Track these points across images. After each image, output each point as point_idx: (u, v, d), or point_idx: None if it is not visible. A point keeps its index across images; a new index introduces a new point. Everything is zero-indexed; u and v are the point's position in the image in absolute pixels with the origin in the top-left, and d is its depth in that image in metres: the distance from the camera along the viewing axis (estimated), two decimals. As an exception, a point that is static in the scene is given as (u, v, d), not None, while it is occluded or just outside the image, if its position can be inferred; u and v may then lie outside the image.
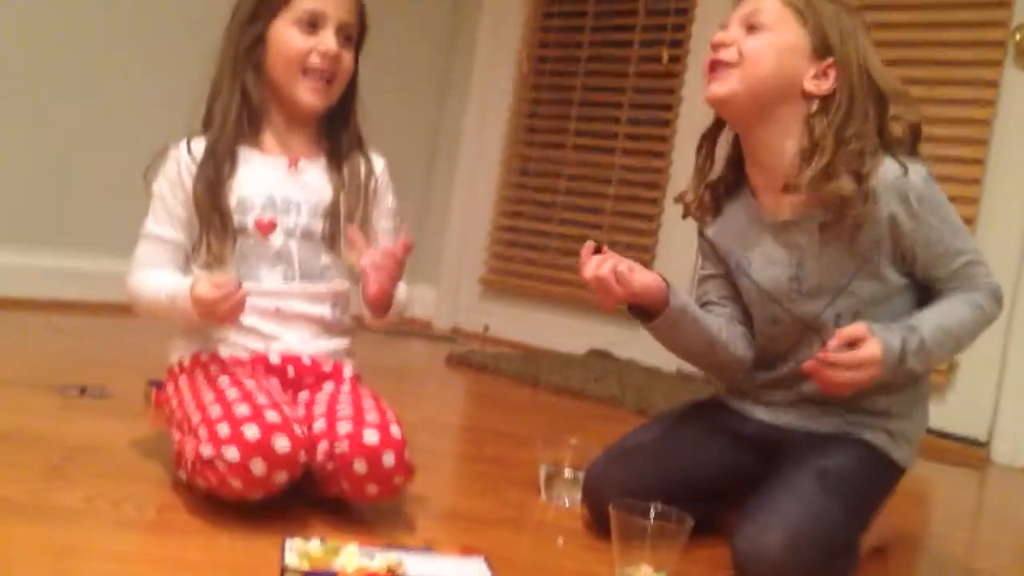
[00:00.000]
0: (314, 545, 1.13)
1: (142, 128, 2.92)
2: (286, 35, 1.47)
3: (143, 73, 3.04)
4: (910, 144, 1.39)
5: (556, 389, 2.77)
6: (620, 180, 3.55)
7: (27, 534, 1.14)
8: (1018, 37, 2.73)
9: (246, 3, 1.49)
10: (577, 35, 3.72)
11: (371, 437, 1.28)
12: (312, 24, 1.46)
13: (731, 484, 1.47)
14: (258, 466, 1.20)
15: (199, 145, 1.48)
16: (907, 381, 1.42)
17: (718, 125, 1.52)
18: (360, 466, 1.26)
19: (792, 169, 1.37)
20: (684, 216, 1.56)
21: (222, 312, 1.32)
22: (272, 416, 1.24)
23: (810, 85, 1.37)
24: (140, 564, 1.13)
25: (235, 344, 1.45)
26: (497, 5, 3.89)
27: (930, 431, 2.63)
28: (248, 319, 1.42)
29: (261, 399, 1.29)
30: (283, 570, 1.09)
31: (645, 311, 1.40)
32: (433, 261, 3.89)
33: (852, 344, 1.27)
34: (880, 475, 1.43)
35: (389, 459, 1.27)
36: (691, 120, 3.41)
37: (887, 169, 1.34)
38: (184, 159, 1.47)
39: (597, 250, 1.35)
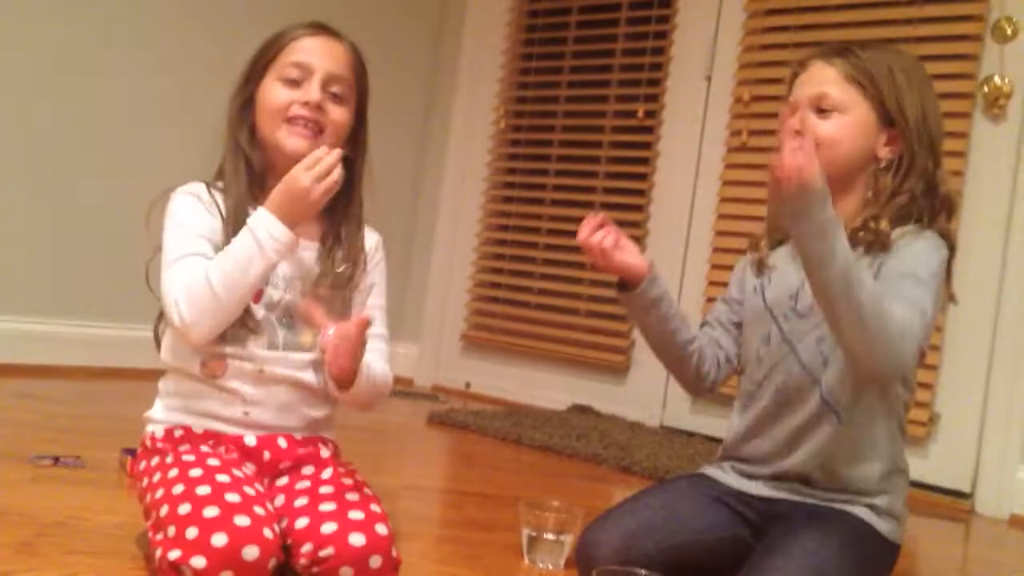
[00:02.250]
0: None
1: (110, 191, 2.96)
2: (270, 90, 1.44)
3: (136, 143, 3.05)
4: (947, 209, 1.47)
5: (539, 448, 2.75)
6: (599, 235, 3.56)
7: (-4, 618, 1.12)
8: (985, 89, 2.79)
9: (243, 70, 1.48)
10: (554, 90, 3.76)
11: (357, 540, 1.23)
12: (297, 78, 1.43)
13: (725, 555, 1.46)
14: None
15: (216, 194, 1.43)
16: (828, 272, 1.30)
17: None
18: (346, 572, 1.23)
19: (852, 212, 1.46)
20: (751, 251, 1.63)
21: (321, 177, 1.32)
22: (242, 521, 1.19)
23: (881, 152, 1.46)
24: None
25: (214, 416, 1.41)
26: (474, 62, 3.94)
27: (914, 484, 2.64)
28: (230, 382, 1.39)
29: (232, 497, 1.23)
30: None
31: (628, 286, 1.55)
32: (414, 318, 3.89)
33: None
34: (868, 550, 1.42)
35: (376, 562, 1.24)
36: (668, 174, 3.45)
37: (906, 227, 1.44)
38: (206, 197, 1.42)
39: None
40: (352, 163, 1.49)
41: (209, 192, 1.43)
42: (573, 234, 3.51)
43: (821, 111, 1.46)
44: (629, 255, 1.54)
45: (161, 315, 1.47)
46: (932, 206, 1.46)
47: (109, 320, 2.92)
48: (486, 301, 3.87)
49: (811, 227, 1.28)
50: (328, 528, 1.25)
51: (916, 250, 1.41)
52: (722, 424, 1.63)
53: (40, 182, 2.89)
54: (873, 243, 1.42)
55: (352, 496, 1.33)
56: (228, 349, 1.38)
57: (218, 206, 1.42)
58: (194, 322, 1.33)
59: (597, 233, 1.52)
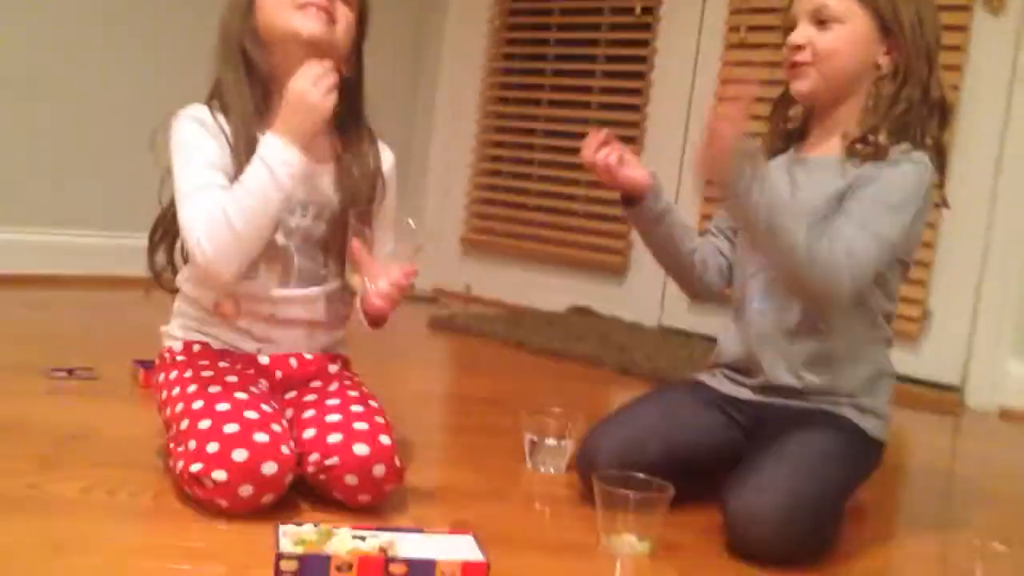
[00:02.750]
0: (307, 530, 1.16)
1: (111, 105, 2.95)
2: None
3: (136, 48, 3.03)
4: (940, 115, 1.49)
5: (539, 351, 2.80)
6: (596, 135, 3.55)
7: (26, 528, 1.17)
8: (988, -17, 2.75)
9: None
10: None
11: (361, 450, 1.28)
12: None
13: (722, 457, 1.51)
14: (246, 490, 1.22)
15: (218, 116, 1.39)
16: (765, 221, 1.37)
17: (785, 99, 1.60)
18: (351, 479, 1.28)
19: (852, 121, 1.49)
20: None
21: (323, 87, 1.31)
22: (261, 437, 1.24)
23: (881, 60, 1.48)
24: (139, 555, 1.15)
25: (228, 343, 1.45)
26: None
27: (906, 379, 2.72)
28: (243, 322, 1.43)
29: (250, 414, 1.28)
30: (278, 556, 1.12)
31: (633, 201, 1.57)
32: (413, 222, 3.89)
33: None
34: (855, 447, 1.48)
35: (379, 470, 1.29)
36: (666, 71, 3.42)
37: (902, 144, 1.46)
38: (210, 122, 1.38)
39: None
40: (356, 80, 1.48)
41: (212, 115, 1.39)
42: (570, 135, 3.57)
43: (820, 22, 1.47)
44: (633, 170, 1.56)
45: (156, 230, 1.48)
46: (928, 114, 1.47)
47: (109, 229, 2.93)
48: (484, 204, 3.88)
49: (733, 192, 1.37)
50: (334, 438, 1.30)
51: (896, 174, 1.43)
52: (719, 324, 1.67)
53: (39, 92, 2.87)
54: (872, 156, 1.45)
55: (357, 408, 1.38)
56: (241, 286, 1.39)
57: (223, 130, 1.38)
58: (219, 260, 1.32)
59: (602, 150, 1.53)
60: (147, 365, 1.80)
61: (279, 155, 1.31)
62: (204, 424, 1.27)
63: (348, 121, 1.47)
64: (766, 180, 1.37)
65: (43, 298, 2.70)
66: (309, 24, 1.36)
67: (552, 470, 1.64)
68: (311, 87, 1.31)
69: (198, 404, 1.31)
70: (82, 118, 2.96)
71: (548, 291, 3.62)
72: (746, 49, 3.16)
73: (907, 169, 1.43)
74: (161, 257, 1.50)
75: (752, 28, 3.14)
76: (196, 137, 1.37)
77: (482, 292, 3.82)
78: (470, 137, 3.89)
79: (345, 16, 1.40)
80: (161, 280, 1.50)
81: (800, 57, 1.49)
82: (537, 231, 3.69)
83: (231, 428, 1.25)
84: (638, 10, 3.46)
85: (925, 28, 1.47)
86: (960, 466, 2.26)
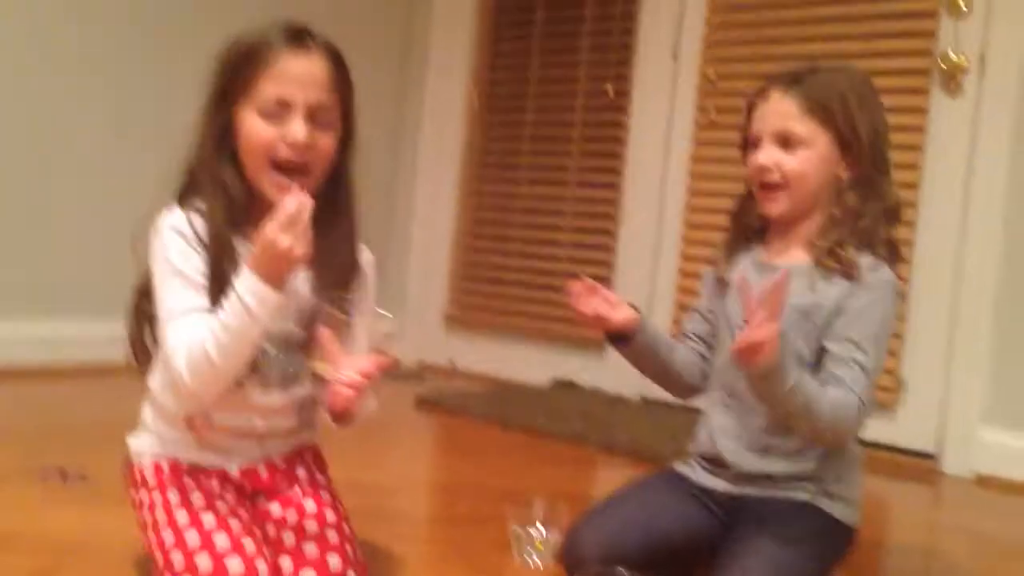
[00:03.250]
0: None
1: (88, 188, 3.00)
2: (252, 126, 1.36)
3: (114, 141, 3.10)
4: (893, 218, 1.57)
5: (523, 429, 2.85)
6: (574, 212, 3.65)
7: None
8: (942, 64, 2.86)
9: (212, 87, 1.40)
10: (525, 71, 3.82)
11: None
12: (276, 112, 1.35)
13: (699, 547, 1.56)
14: None
15: (198, 224, 1.37)
16: (784, 407, 1.42)
17: (748, 201, 1.65)
18: None
19: (814, 231, 1.55)
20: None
21: (296, 236, 1.26)
22: (235, 566, 1.27)
23: (843, 175, 1.55)
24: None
25: (194, 458, 1.43)
26: (445, 43, 3.98)
27: (881, 447, 2.79)
28: (214, 436, 1.42)
29: (221, 540, 1.30)
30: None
31: (619, 335, 1.62)
32: (397, 298, 3.97)
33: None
34: (827, 540, 1.53)
35: None
36: (640, 149, 3.52)
37: (866, 262, 1.52)
38: (189, 233, 1.36)
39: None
40: (343, 172, 1.45)
41: (189, 222, 1.37)
42: (548, 212, 3.65)
43: (785, 143, 1.54)
44: (620, 311, 1.60)
45: (136, 316, 1.46)
46: (886, 220, 1.55)
47: (92, 317, 2.95)
48: (466, 280, 3.95)
49: (773, 395, 1.40)
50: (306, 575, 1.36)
51: (875, 306, 1.49)
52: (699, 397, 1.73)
53: (18, 181, 2.94)
54: (841, 272, 1.51)
55: (332, 536, 1.41)
56: (215, 415, 1.41)
57: (201, 239, 1.36)
58: (199, 392, 1.34)
59: (592, 301, 1.58)
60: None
61: (255, 292, 1.28)
62: (178, 560, 1.29)
63: (330, 220, 1.43)
64: (803, 375, 1.41)
65: (29, 392, 2.72)
66: (276, 196, 1.32)
67: (540, 563, 1.68)
68: (281, 235, 1.26)
69: (169, 538, 1.32)
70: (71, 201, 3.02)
71: (531, 364, 3.68)
72: (717, 129, 3.28)
73: (881, 296, 1.50)
74: (138, 333, 1.47)
75: (721, 110, 3.26)
76: (178, 254, 1.35)
77: (466, 366, 3.87)
78: (450, 214, 3.97)
79: (320, 151, 1.38)
80: (139, 360, 1.48)
81: (770, 179, 1.55)
82: (519, 305, 3.76)
83: (204, 563, 1.27)
84: (611, 92, 3.58)
85: (880, 137, 1.55)
86: (938, 541, 2.31)
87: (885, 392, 2.85)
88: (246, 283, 1.29)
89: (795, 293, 1.51)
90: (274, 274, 1.29)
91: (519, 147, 3.82)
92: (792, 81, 1.55)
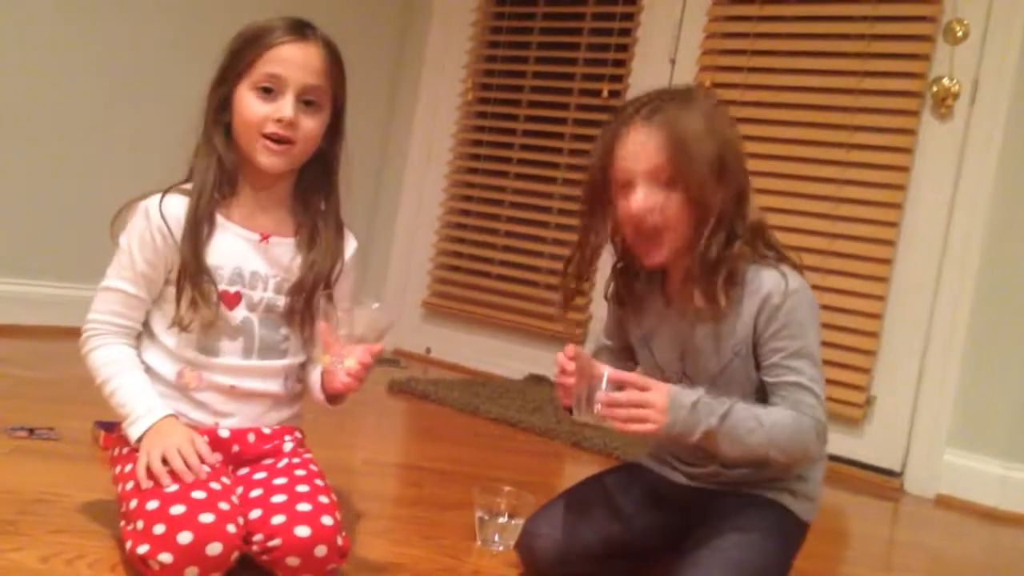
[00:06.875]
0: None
1: (82, 158, 3.00)
2: (246, 101, 1.46)
3: (104, 108, 3.08)
4: (760, 237, 1.49)
5: (495, 419, 2.87)
6: (561, 210, 3.66)
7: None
8: (935, 88, 2.90)
9: (221, 64, 1.50)
10: (521, 66, 3.83)
11: (302, 532, 1.31)
12: (271, 89, 1.45)
13: (657, 540, 1.58)
14: (192, 572, 1.24)
15: (172, 204, 1.46)
16: (734, 453, 1.43)
17: (628, 263, 1.60)
18: (292, 560, 1.31)
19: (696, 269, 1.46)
20: (562, 307, 1.64)
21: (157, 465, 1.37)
22: (206, 518, 1.27)
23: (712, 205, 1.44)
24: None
25: (185, 416, 1.48)
26: (443, 34, 3.99)
27: (846, 462, 2.82)
28: (203, 395, 1.47)
29: (197, 494, 1.31)
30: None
31: None
32: (377, 284, 3.97)
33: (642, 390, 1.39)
34: (787, 536, 1.54)
35: (321, 551, 1.32)
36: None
37: (764, 277, 1.45)
38: (156, 220, 1.45)
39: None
40: (329, 157, 1.55)
41: (162, 215, 1.45)
42: (536, 208, 3.66)
43: (662, 184, 1.43)
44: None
45: None
46: (752, 239, 1.48)
47: (71, 280, 2.94)
48: (448, 270, 3.96)
49: (708, 437, 1.39)
50: (277, 520, 1.34)
51: (797, 320, 1.45)
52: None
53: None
54: (728, 299, 1.45)
55: (302, 487, 1.41)
56: (203, 359, 1.45)
57: (168, 229, 1.45)
58: (86, 360, 1.51)
59: (582, 387, 1.43)
60: (108, 427, 1.84)
61: (142, 420, 1.42)
62: (151, 505, 1.30)
63: (315, 195, 1.55)
64: (730, 408, 1.39)
65: (7, 351, 2.71)
66: (265, 159, 1.47)
67: (501, 548, 1.69)
68: (175, 455, 1.37)
69: (147, 484, 1.35)
70: (45, 167, 3.01)
71: (507, 358, 3.70)
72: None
73: (797, 302, 1.45)
74: None
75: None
76: (138, 238, 1.47)
77: (442, 356, 3.88)
78: (437, 204, 3.98)
79: (306, 132, 1.48)
80: None
81: (650, 221, 1.45)
82: (498, 299, 3.77)
83: (177, 510, 1.28)
84: (605, 93, 3.60)
85: (731, 170, 1.45)
86: (897, 557, 2.33)
87: (854, 408, 2.88)
88: (150, 416, 1.43)
89: (718, 333, 1.49)
90: (155, 440, 1.40)
91: (511, 141, 3.83)
92: (652, 112, 1.44)
